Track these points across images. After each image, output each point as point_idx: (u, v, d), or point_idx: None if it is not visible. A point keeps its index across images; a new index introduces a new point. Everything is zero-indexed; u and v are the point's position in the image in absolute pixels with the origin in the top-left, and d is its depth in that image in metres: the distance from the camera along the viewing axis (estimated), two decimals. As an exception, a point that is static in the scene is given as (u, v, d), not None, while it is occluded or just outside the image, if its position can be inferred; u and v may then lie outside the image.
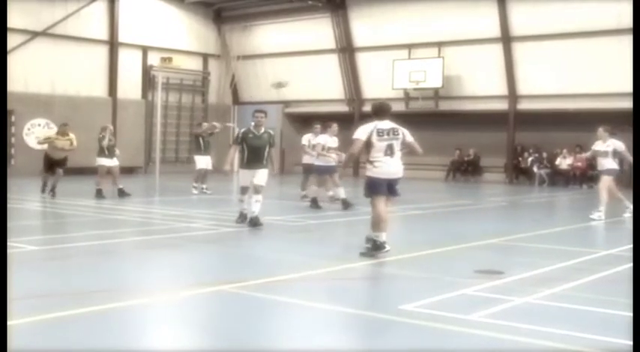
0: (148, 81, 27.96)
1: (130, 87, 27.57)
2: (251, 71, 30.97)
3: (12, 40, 23.21)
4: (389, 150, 8.41)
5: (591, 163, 20.46)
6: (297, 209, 14.42)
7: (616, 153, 13.27)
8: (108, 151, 16.15)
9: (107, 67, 27.04)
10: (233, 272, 7.74)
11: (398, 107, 24.97)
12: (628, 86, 18.88)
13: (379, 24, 27.32)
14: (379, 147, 8.39)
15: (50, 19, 25.13)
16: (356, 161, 22.51)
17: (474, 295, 6.52)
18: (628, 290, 5.99)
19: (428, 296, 6.31)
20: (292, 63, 29.52)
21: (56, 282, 6.96)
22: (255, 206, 11.09)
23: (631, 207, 13.55)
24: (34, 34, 24.74)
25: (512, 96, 25.34)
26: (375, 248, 8.40)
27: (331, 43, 28.51)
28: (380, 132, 8.39)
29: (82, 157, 16.51)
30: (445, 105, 26.57)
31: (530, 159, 25.43)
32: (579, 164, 23.52)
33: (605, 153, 13.34)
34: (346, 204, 13.98)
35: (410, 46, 26.87)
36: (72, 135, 16.07)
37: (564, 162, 24.43)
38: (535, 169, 25.14)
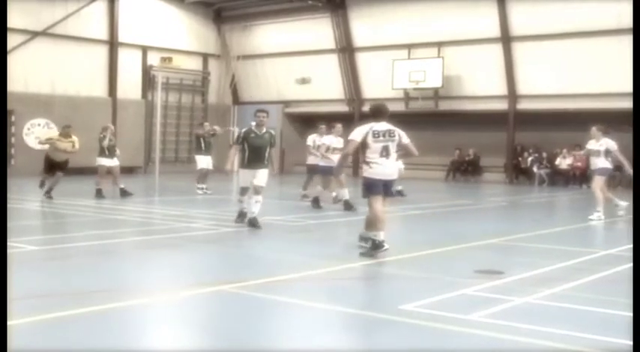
0: (148, 81, 27.95)
1: (129, 87, 27.57)
2: (251, 71, 30.96)
3: (12, 40, 23.21)
4: (384, 152, 8.48)
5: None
6: (297, 209, 14.42)
7: (608, 153, 13.33)
8: (108, 151, 16.12)
9: (107, 67, 27.03)
10: (233, 273, 7.74)
11: (398, 107, 25.02)
12: (628, 86, 18.87)
13: (379, 24, 27.32)
14: (375, 148, 8.47)
15: (50, 19, 25.12)
16: (356, 161, 22.51)
17: (474, 295, 6.52)
18: (628, 290, 5.99)
19: (428, 296, 6.32)
20: (292, 63, 29.52)
21: (56, 282, 6.96)
22: (254, 206, 11.08)
23: (621, 204, 13.59)
24: (34, 34, 24.73)
25: (512, 96, 25.34)
26: (374, 247, 8.42)
27: (331, 43, 28.51)
28: (376, 134, 8.46)
29: (82, 157, 16.46)
30: (445, 105, 26.57)
31: (530, 159, 25.43)
32: (579, 164, 23.51)
33: (597, 153, 13.42)
34: (348, 206, 13.95)
35: (410, 46, 26.86)
36: (74, 138, 15.78)
37: (564, 162, 24.43)
38: (535, 169, 25.14)
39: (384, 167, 8.51)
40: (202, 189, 17.46)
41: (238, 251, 9.49)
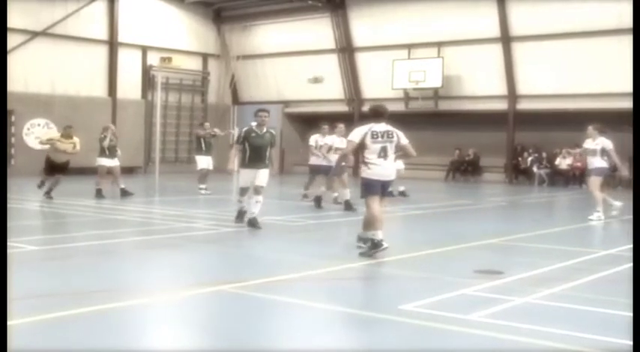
0: (148, 81, 27.95)
1: (129, 87, 27.56)
2: (251, 71, 30.96)
3: (12, 40, 23.20)
4: (382, 153, 8.53)
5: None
6: (298, 209, 14.42)
7: (604, 152, 13.36)
8: (109, 151, 16.09)
9: (107, 67, 27.02)
10: (233, 273, 7.75)
11: (398, 107, 25.02)
12: (628, 86, 18.86)
13: (379, 24, 27.32)
14: (373, 149, 8.52)
15: (50, 19, 25.12)
16: (357, 161, 22.50)
17: (474, 295, 6.52)
18: (628, 290, 5.99)
19: (428, 296, 6.32)
20: (292, 63, 29.51)
21: (56, 282, 6.96)
22: (255, 207, 11.06)
23: (615, 203, 13.57)
24: (34, 34, 24.73)
25: (512, 96, 25.33)
26: (373, 246, 8.44)
27: (331, 43, 28.51)
28: (374, 135, 8.52)
29: (83, 157, 16.44)
30: (445, 105, 26.57)
31: (529, 159, 25.44)
32: (579, 164, 23.51)
33: (593, 152, 13.47)
34: (348, 206, 13.93)
35: (410, 46, 26.86)
36: (76, 139, 15.58)
37: (564, 162, 24.43)
38: (535, 169, 25.15)
39: (382, 168, 8.56)
40: (204, 189, 17.46)
41: (238, 251, 9.49)
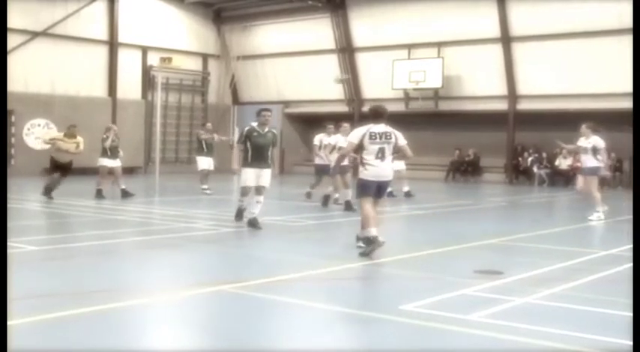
0: (148, 81, 27.96)
1: (129, 87, 27.57)
2: (251, 71, 30.97)
3: (12, 40, 23.21)
4: (380, 154, 8.58)
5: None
6: (298, 209, 14.42)
7: (596, 151, 13.40)
8: (111, 152, 16.07)
9: (107, 67, 27.04)
10: (233, 273, 7.74)
11: (398, 107, 25.03)
12: (628, 86, 18.87)
13: (379, 24, 27.32)
14: (371, 150, 8.57)
15: (50, 19, 25.13)
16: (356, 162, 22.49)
17: (474, 295, 6.52)
18: (628, 290, 5.99)
19: (428, 296, 6.32)
20: (292, 63, 29.52)
21: (56, 282, 6.95)
22: (255, 207, 11.04)
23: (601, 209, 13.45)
24: (34, 34, 24.74)
25: (512, 96, 25.33)
26: (368, 242, 8.47)
27: (331, 43, 28.51)
28: (372, 136, 8.56)
29: (84, 157, 16.40)
30: (445, 106, 26.57)
31: (530, 159, 25.44)
32: (578, 164, 23.47)
33: (585, 150, 13.55)
34: (349, 206, 13.91)
35: (410, 46, 26.86)
36: (79, 139, 15.49)
37: (564, 162, 24.42)
38: (535, 169, 25.15)
39: (379, 169, 8.61)
40: (207, 189, 17.46)
41: (238, 251, 9.49)
